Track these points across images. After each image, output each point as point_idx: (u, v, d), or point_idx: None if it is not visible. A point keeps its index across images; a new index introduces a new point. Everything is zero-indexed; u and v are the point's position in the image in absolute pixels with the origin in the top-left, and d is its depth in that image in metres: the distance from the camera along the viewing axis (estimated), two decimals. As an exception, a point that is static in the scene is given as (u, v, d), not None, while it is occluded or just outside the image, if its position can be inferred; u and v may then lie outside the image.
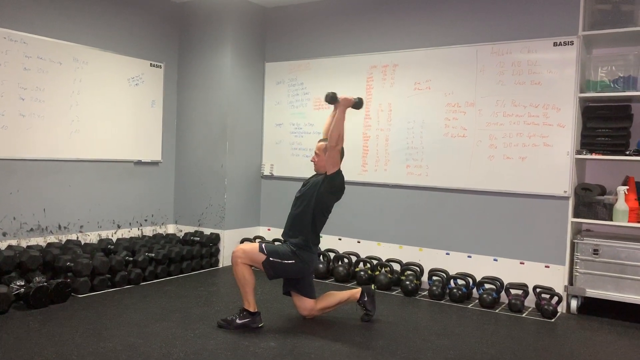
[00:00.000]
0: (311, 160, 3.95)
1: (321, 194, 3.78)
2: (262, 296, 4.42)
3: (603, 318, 4.28)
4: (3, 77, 4.39)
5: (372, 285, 4.15)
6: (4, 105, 4.41)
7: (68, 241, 4.81)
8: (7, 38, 4.40)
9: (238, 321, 3.67)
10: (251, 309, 3.69)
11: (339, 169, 3.80)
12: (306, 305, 3.85)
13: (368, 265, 5.14)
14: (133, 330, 3.53)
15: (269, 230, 6.01)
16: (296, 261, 3.72)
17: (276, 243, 3.95)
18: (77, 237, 5.01)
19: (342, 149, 3.86)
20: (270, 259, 3.67)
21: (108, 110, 5.22)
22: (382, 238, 5.32)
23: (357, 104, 3.83)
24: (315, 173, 3.98)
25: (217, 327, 3.67)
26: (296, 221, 3.83)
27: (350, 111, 5.41)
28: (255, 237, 5.87)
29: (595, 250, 4.28)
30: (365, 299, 3.96)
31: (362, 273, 5.04)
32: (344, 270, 5.12)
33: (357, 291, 3.99)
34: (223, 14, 5.67)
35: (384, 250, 5.29)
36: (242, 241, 5.84)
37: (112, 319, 3.75)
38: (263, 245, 3.73)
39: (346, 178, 5.42)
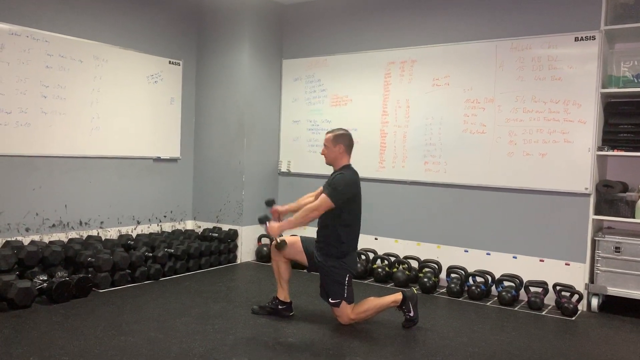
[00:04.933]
0: (321, 154, 3.89)
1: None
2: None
3: (624, 316, 4.22)
4: (26, 75, 4.46)
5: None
6: (26, 103, 4.48)
7: (89, 237, 4.88)
8: (29, 37, 4.47)
9: (412, 313, 3.72)
10: (398, 298, 3.74)
11: (342, 173, 3.72)
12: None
13: (386, 262, 5.13)
14: (153, 325, 3.58)
15: (286, 226, 6.02)
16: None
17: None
18: (98, 233, 5.08)
19: (349, 139, 3.81)
20: (345, 295, 3.67)
21: (128, 107, 5.27)
22: (400, 235, 5.30)
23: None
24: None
25: (235, 323, 3.70)
26: (322, 234, 3.78)
27: (369, 106, 5.43)
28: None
29: (617, 247, 4.22)
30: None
31: (379, 270, 5.04)
32: (361, 267, 5.11)
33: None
34: (241, 12, 5.69)
35: (401, 247, 5.27)
36: (259, 238, 5.87)
37: (132, 314, 3.80)
38: (331, 298, 3.71)
39: (364, 174, 5.43)
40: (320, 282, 3.79)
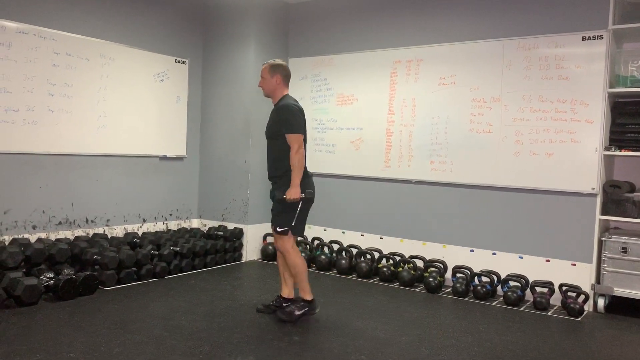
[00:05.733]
0: (259, 86, 3.88)
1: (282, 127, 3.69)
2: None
3: (631, 317, 4.20)
4: (33, 73, 4.48)
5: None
6: (33, 101, 4.50)
7: (95, 234, 4.90)
8: (37, 35, 4.49)
9: (297, 312, 3.71)
10: (308, 297, 3.73)
11: (284, 105, 3.70)
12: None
13: (391, 261, 5.12)
14: (159, 323, 3.59)
15: (291, 225, 6.03)
16: (307, 195, 3.64)
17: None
18: (104, 231, 5.10)
19: (286, 70, 3.80)
20: (293, 224, 3.67)
21: (134, 105, 5.29)
22: (406, 234, 5.30)
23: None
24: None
25: (240, 321, 3.71)
26: (276, 159, 3.72)
27: (375, 105, 5.42)
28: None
29: (623, 248, 4.21)
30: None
31: (384, 269, 5.03)
32: (366, 267, 5.11)
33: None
34: (247, 10, 5.70)
35: (407, 247, 5.26)
36: (264, 236, 5.87)
37: (138, 312, 3.81)
38: (279, 226, 3.71)
39: (369, 174, 5.47)
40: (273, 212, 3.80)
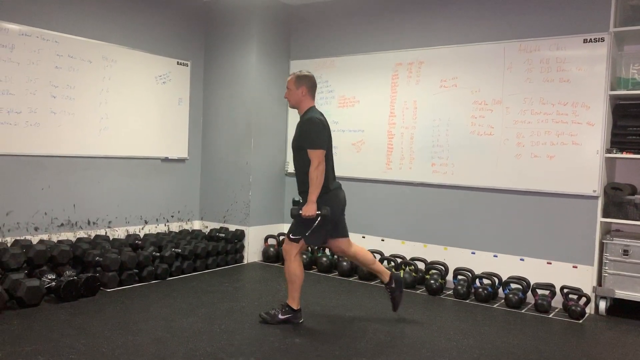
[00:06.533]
0: (284, 97, 3.89)
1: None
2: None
3: (632, 320, 4.20)
4: (35, 75, 4.49)
5: (402, 272, 4.02)
6: (35, 103, 4.51)
7: (97, 236, 4.91)
8: (39, 37, 4.50)
9: (280, 316, 3.72)
10: (294, 306, 3.74)
11: (308, 119, 3.68)
12: (339, 244, 3.86)
13: (392, 263, 5.12)
14: (160, 325, 3.59)
15: (293, 227, 6.03)
16: (323, 212, 3.59)
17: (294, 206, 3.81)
18: (106, 233, 5.11)
19: (311, 81, 3.79)
20: (307, 234, 3.65)
21: (136, 107, 5.30)
22: (407, 236, 5.30)
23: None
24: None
25: (242, 323, 3.71)
26: (302, 173, 3.69)
27: (376, 107, 5.43)
28: (280, 234, 5.90)
29: (625, 250, 4.20)
30: (393, 285, 3.90)
31: (386, 271, 5.03)
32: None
33: (387, 273, 3.93)
34: (248, 12, 5.71)
35: (408, 249, 5.27)
36: (266, 238, 5.88)
37: (139, 313, 3.81)
38: (292, 234, 3.70)
39: (371, 175, 5.48)
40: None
